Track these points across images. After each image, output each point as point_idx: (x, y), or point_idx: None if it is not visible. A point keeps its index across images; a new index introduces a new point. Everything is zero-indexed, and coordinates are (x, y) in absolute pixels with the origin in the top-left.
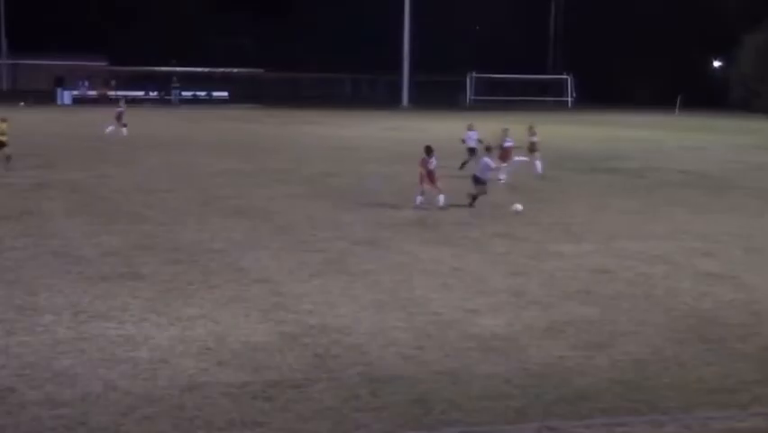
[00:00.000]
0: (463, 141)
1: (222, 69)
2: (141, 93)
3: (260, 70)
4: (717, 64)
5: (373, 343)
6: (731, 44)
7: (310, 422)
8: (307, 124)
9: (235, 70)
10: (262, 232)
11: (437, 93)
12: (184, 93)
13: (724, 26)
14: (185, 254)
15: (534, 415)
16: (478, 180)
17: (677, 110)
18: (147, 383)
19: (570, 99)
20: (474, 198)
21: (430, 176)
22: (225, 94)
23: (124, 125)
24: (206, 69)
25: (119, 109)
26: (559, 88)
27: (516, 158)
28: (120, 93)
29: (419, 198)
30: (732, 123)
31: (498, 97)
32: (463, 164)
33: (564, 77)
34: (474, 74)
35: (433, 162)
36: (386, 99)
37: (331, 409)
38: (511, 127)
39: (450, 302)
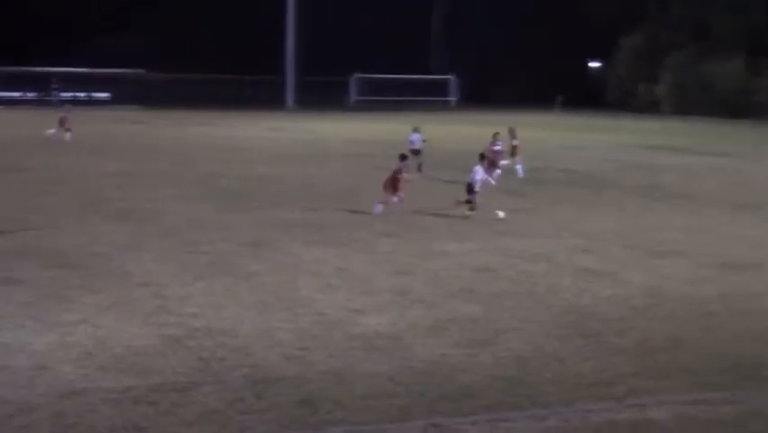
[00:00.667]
0: (423, 142)
1: (102, 70)
2: (18, 94)
3: (143, 71)
4: (593, 65)
5: (258, 344)
6: (609, 46)
7: (194, 426)
8: (193, 125)
9: (117, 71)
10: (147, 234)
11: (322, 94)
12: (63, 94)
13: (602, 29)
14: (65, 258)
15: (419, 413)
16: (470, 187)
17: (557, 110)
18: (25, 391)
19: (453, 99)
20: (468, 202)
21: (395, 183)
22: (107, 95)
23: (68, 130)
24: (86, 70)
25: (61, 113)
26: (442, 88)
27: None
28: (62, 95)
29: (395, 199)
30: (610, 122)
31: (383, 98)
32: (419, 166)
33: (447, 77)
34: (358, 74)
35: (402, 170)
36: (271, 100)
37: (215, 412)
38: (500, 131)
39: (334, 302)
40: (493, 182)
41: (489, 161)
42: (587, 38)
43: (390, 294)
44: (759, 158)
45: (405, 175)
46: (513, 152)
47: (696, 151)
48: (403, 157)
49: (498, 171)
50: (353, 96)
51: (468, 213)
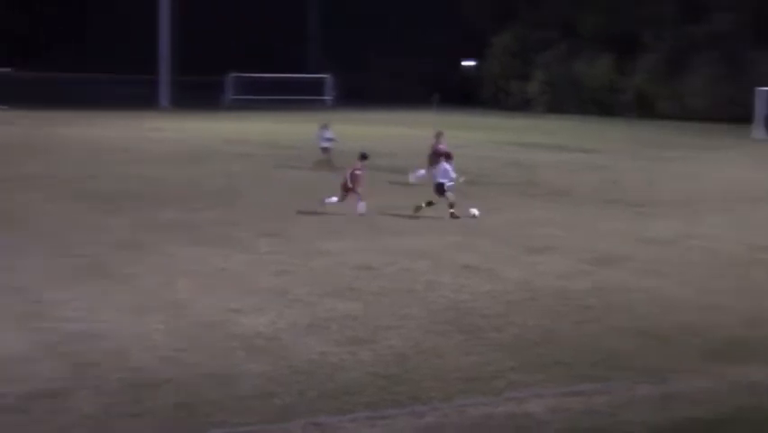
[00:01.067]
0: (331, 141)
1: None
2: None
3: (9, 69)
4: (467, 64)
5: (135, 348)
6: (481, 45)
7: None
8: (64, 126)
9: None
10: (18, 238)
11: (197, 93)
12: None
13: (474, 28)
14: None
15: (300, 412)
16: (439, 187)
17: (433, 108)
18: None
19: (329, 98)
20: (430, 204)
21: (354, 180)
22: None
23: None
24: None
25: None
26: (319, 87)
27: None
28: None
29: (333, 199)
30: (484, 120)
31: (259, 97)
32: (327, 162)
33: (324, 76)
34: (233, 74)
35: (360, 168)
36: (145, 100)
37: (91, 417)
38: (445, 132)
39: (213, 303)
40: (422, 175)
41: (436, 161)
42: (460, 37)
43: (270, 294)
44: (626, 155)
45: (358, 172)
46: (437, 154)
47: (568, 148)
48: (363, 156)
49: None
50: (229, 95)
51: (419, 208)
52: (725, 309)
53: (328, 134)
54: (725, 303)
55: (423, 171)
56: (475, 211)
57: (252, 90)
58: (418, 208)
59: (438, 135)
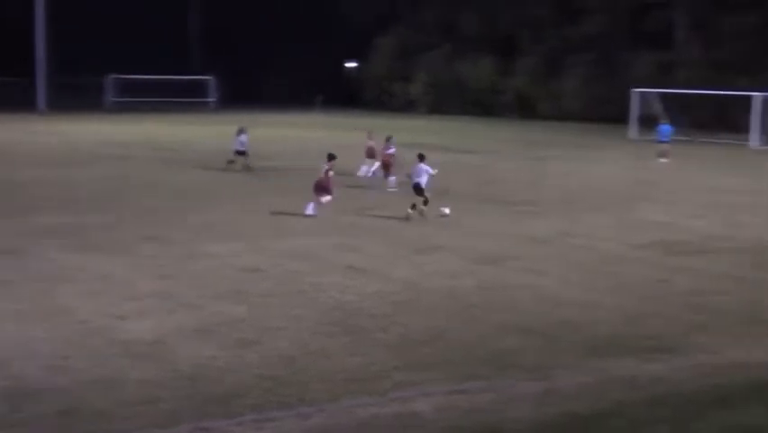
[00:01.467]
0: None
1: None
2: None
3: None
4: (350, 65)
5: (15, 356)
6: (364, 47)
7: None
8: None
9: None
10: None
11: (77, 95)
12: None
13: (357, 29)
14: None
15: (187, 417)
16: (418, 187)
17: (317, 110)
18: None
19: (212, 100)
20: (423, 204)
21: (325, 183)
22: None
23: None
24: None
25: None
26: (201, 89)
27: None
28: None
29: (312, 206)
30: (368, 121)
31: (141, 99)
32: (230, 162)
33: (207, 77)
34: (114, 75)
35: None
36: (21, 103)
37: None
38: (395, 135)
39: (96, 309)
40: (371, 174)
41: (384, 164)
42: (344, 38)
43: (154, 298)
44: (507, 155)
45: (330, 173)
46: (370, 153)
47: (450, 148)
48: (331, 156)
49: (393, 178)
50: (109, 97)
51: (422, 209)
52: (604, 306)
53: (244, 138)
54: (604, 300)
55: (366, 168)
56: (446, 210)
57: (134, 92)
58: (409, 214)
59: (388, 139)
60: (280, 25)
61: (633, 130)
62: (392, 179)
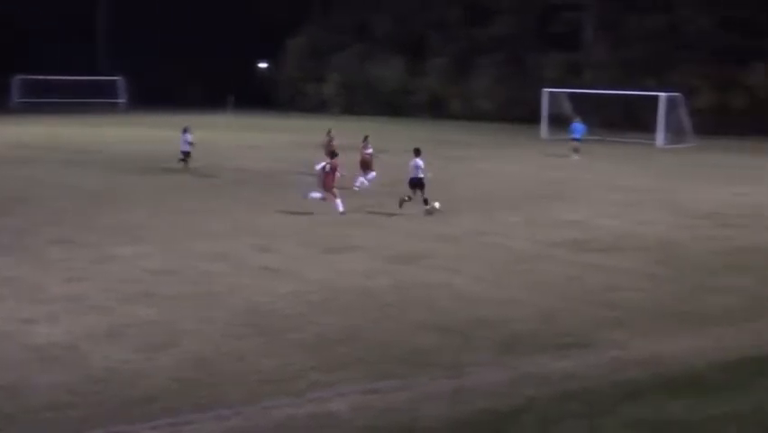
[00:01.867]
0: (191, 144)
1: None
2: None
3: None
4: (262, 66)
5: None
6: (276, 47)
7: None
8: None
9: None
10: None
11: None
12: None
13: (269, 30)
14: None
15: (100, 421)
16: (413, 182)
17: (229, 110)
18: None
19: (122, 101)
20: (409, 198)
21: (329, 180)
22: None
23: None
24: None
25: None
26: (111, 90)
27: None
28: None
29: (317, 194)
30: (281, 122)
31: (48, 100)
32: (182, 162)
33: (116, 78)
34: (20, 76)
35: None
36: None
37: None
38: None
39: (4, 313)
40: (367, 183)
41: (363, 163)
42: (256, 38)
43: (64, 302)
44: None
45: (337, 172)
46: (329, 152)
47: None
48: (333, 155)
49: (373, 174)
50: (15, 98)
51: (431, 207)
52: (518, 303)
53: (189, 138)
54: (518, 297)
55: (362, 179)
56: (437, 204)
57: (41, 93)
58: (402, 203)
59: (365, 139)
60: (192, 25)
61: (544, 129)
62: (370, 176)
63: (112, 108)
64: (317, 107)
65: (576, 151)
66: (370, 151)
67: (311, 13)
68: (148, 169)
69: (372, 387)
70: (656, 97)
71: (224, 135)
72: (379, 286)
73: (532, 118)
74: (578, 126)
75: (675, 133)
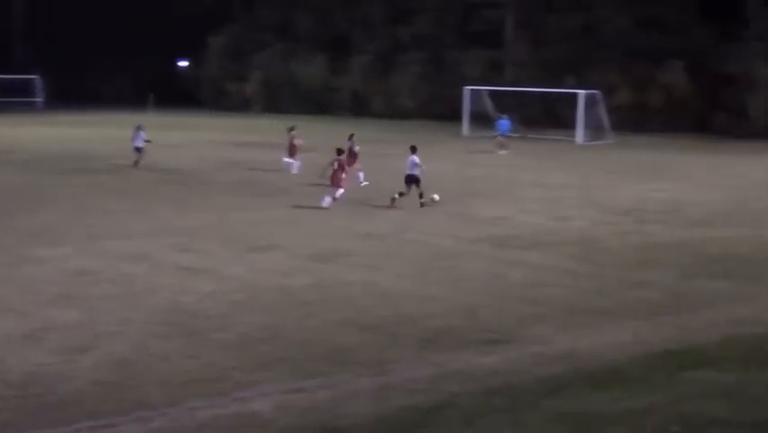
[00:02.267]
0: (147, 142)
1: None
2: None
3: None
4: (183, 64)
5: None
6: (198, 45)
7: None
8: None
9: None
10: None
11: None
12: None
13: (190, 27)
14: None
15: (18, 427)
16: (409, 179)
17: (150, 109)
18: None
19: (39, 100)
20: (402, 194)
21: (337, 176)
22: None
23: None
24: None
25: None
26: (27, 89)
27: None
28: None
29: (328, 199)
30: (203, 121)
31: None
32: (135, 162)
33: (32, 77)
34: None
35: (342, 163)
36: None
37: None
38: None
39: None
40: (362, 180)
41: (352, 162)
42: (176, 36)
43: None
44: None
45: (346, 168)
46: (291, 150)
47: (284, 147)
48: (339, 151)
49: (362, 174)
50: None
51: (429, 200)
52: (440, 300)
53: (143, 135)
54: (440, 294)
55: (362, 174)
56: (436, 196)
57: None
58: (393, 200)
59: (351, 137)
60: (113, 22)
61: (465, 127)
62: (361, 174)
63: (29, 108)
64: (240, 106)
65: (503, 146)
66: (357, 148)
67: (233, 11)
68: (66, 169)
69: (295, 386)
70: (576, 95)
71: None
72: (301, 285)
73: (454, 116)
74: (503, 123)
75: (595, 130)
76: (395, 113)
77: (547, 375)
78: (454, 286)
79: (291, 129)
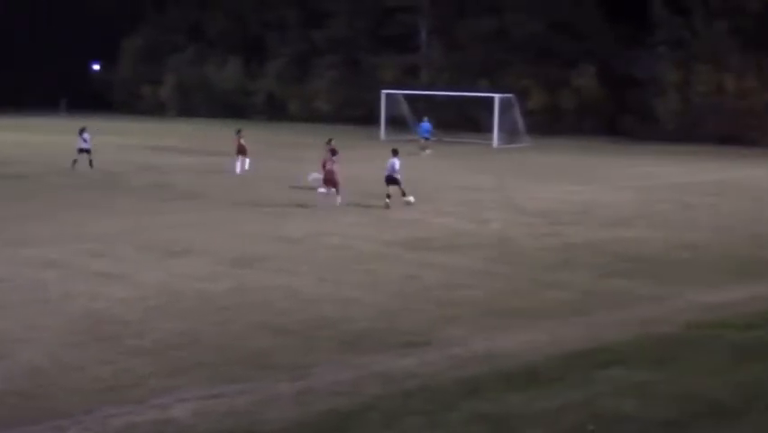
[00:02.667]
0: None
1: None
2: None
3: None
4: (96, 67)
5: None
6: (111, 48)
7: None
8: None
9: None
10: None
11: None
12: None
13: (103, 30)
14: None
15: None
16: (390, 180)
17: (62, 113)
18: None
19: None
20: (389, 196)
21: (330, 175)
22: None
23: None
24: None
25: None
26: None
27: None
28: None
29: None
30: (117, 124)
31: None
32: (74, 162)
33: None
34: None
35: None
36: None
37: None
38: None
39: None
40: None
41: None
42: (88, 38)
43: None
44: (259, 157)
45: (335, 166)
46: (241, 150)
47: (199, 151)
48: (333, 152)
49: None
50: None
51: (407, 200)
52: (358, 303)
53: (87, 137)
54: (358, 297)
55: (316, 174)
56: (411, 198)
57: None
58: (387, 205)
59: (329, 141)
60: (25, 26)
61: (382, 131)
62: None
63: None
64: (154, 110)
65: (425, 149)
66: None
67: (146, 12)
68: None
69: (214, 391)
70: (491, 99)
71: (57, 139)
72: (217, 289)
73: (370, 119)
74: (425, 126)
75: (510, 133)
76: (311, 116)
77: (465, 376)
78: (372, 289)
79: (238, 131)
